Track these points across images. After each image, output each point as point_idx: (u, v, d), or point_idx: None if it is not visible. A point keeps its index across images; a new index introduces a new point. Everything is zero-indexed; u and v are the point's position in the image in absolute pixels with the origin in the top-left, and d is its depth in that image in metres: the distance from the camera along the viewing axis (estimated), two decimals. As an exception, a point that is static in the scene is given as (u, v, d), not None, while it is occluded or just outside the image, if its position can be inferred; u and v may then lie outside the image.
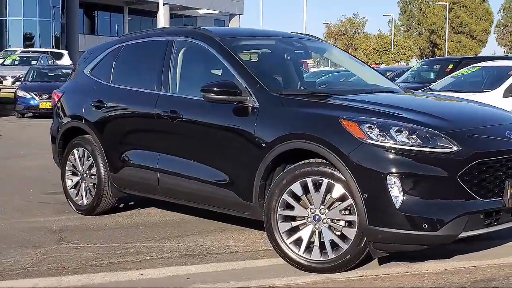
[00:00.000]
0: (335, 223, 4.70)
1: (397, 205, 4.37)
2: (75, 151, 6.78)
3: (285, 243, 4.83)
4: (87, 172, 6.69)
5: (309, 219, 4.77)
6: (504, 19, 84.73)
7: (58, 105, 7.08)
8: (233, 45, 5.70)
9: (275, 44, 6.29)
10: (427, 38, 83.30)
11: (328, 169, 4.67)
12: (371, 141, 4.47)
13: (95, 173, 6.57)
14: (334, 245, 4.70)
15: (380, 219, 4.42)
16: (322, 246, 4.73)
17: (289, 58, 6.25)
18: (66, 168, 6.91)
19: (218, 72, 5.80)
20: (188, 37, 6.01)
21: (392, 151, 4.42)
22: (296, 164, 4.83)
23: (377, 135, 4.49)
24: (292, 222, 4.84)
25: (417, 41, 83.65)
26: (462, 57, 16.19)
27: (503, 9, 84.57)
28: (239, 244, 5.63)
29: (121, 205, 7.06)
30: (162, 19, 37.03)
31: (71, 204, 6.89)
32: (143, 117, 6.06)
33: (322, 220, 4.71)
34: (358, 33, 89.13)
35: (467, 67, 11.72)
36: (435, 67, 15.15)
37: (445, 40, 78.25)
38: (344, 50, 6.86)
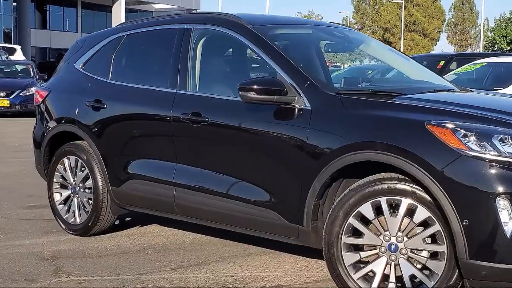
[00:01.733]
0: (416, 254, 3.80)
1: (509, 234, 3.49)
2: (65, 160, 5.73)
3: (352, 279, 3.92)
4: (81, 185, 5.65)
5: (382, 249, 3.86)
6: (454, 18, 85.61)
7: (43, 106, 6.01)
8: (270, 34, 4.74)
9: (312, 33, 5.34)
10: (381, 36, 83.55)
11: (409, 187, 3.77)
12: (472, 153, 3.57)
13: (91, 186, 5.54)
14: (415, 281, 3.80)
15: (485, 251, 3.53)
16: (399, 282, 3.82)
17: (329, 50, 5.33)
18: (54, 179, 5.85)
19: (252, 67, 4.83)
20: (210, 24, 5.02)
21: (500, 165, 3.54)
22: (365, 180, 3.92)
23: (477, 144, 3.60)
24: (361, 253, 3.93)
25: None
26: (454, 54, 15.52)
27: (454, 8, 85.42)
28: (277, 273, 4.68)
29: (116, 222, 6.01)
30: (122, 14, 35.63)
31: (60, 222, 5.83)
32: (155, 120, 5.05)
33: (400, 250, 3.81)
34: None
35: (470, 64, 10.98)
36: (422, 63, 14.36)
37: (399, 38, 78.65)
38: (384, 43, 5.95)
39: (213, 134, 4.66)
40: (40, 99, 6.06)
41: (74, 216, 5.71)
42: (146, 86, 5.21)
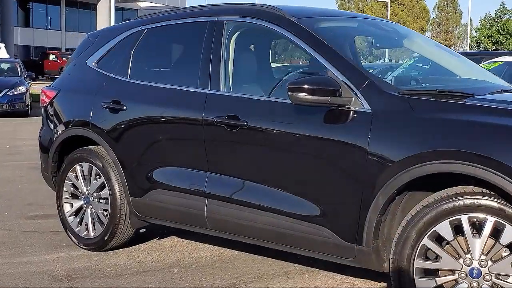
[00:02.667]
0: (502, 280, 3.30)
1: None
2: (77, 167, 5.17)
3: (427, 308, 3.40)
4: (95, 194, 5.09)
5: (462, 275, 3.35)
6: (438, 18, 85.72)
7: (51, 107, 5.44)
8: (316, 27, 4.21)
9: (358, 26, 4.82)
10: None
11: (496, 203, 3.26)
12: None
13: (107, 197, 4.99)
14: (501, 311, 3.30)
15: None
16: (482, 312, 3.32)
17: (377, 45, 4.82)
18: (64, 188, 5.29)
19: (298, 64, 4.31)
20: (245, 16, 4.47)
21: None
22: (442, 195, 3.40)
23: None
24: (437, 279, 3.42)
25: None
26: (462, 52, 15.10)
27: (438, 8, 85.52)
28: (325, 297, 4.16)
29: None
30: (112, 13, 34.88)
31: (71, 236, 5.26)
32: (184, 124, 4.51)
33: (483, 276, 3.30)
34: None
35: (486, 62, 10.53)
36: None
37: (384, 37, 78.43)
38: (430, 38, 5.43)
39: (253, 139, 4.13)
40: (48, 100, 5.49)
41: (87, 229, 5.15)
42: (171, 85, 4.67)
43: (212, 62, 4.42)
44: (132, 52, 5.00)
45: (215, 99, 4.34)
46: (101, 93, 5.02)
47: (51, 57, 43.03)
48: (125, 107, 4.80)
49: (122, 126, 4.82)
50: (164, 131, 4.63)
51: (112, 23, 49.21)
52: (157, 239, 5.52)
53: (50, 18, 53.40)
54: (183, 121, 4.50)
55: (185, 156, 4.51)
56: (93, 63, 5.27)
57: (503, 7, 69.41)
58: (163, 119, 4.64)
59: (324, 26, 4.41)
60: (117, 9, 54.25)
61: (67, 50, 50.71)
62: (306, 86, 3.71)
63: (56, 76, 40.89)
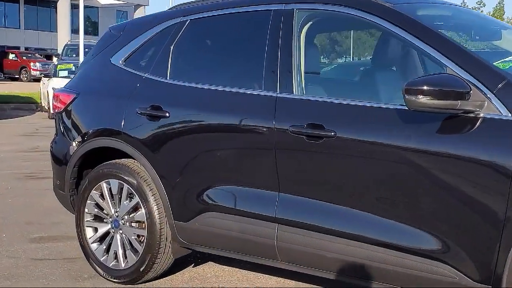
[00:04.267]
0: None
1: None
2: (103, 184, 4.34)
3: None
4: (126, 217, 4.27)
5: None
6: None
7: (67, 113, 4.59)
8: (419, 15, 3.47)
9: (452, 15, 4.07)
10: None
11: None
12: None
13: (143, 220, 4.18)
14: None
15: None
16: None
17: (477, 38, 4.11)
18: (86, 210, 4.45)
19: (398, 61, 3.57)
20: (322, 2, 3.70)
21: None
22: None
23: None
24: None
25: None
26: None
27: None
28: None
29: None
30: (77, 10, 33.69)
31: (96, 266, 4.44)
32: (247, 134, 3.72)
33: None
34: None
35: (500, 61, 9.94)
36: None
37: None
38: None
39: (343, 153, 3.37)
40: (62, 105, 4.64)
41: (117, 258, 4.34)
42: (225, 87, 3.88)
43: (281, 59, 3.65)
44: (171, 47, 4.19)
45: (288, 104, 3.57)
46: (134, 97, 4.20)
47: (11, 56, 41.53)
48: (167, 114, 3.99)
49: (164, 136, 4.02)
50: (219, 142, 3.84)
51: (68, 24, 47.88)
52: (193, 266, 4.73)
53: (9, 16, 51.62)
54: (245, 131, 3.72)
55: (248, 173, 3.72)
56: (120, 61, 4.45)
57: (464, 5, 69.81)
58: (218, 129, 3.84)
59: (424, 14, 3.67)
60: (76, 6, 52.84)
61: (26, 48, 49.08)
62: (431, 88, 2.96)
63: (16, 76, 39.64)
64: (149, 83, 4.20)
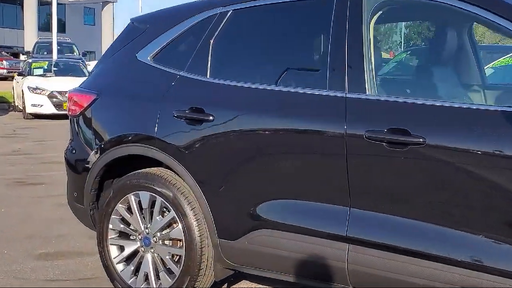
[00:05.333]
0: None
1: None
2: (131, 197, 3.82)
3: None
4: (159, 234, 3.77)
5: None
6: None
7: (86, 117, 4.06)
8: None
9: None
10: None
11: None
12: None
13: (180, 237, 3.68)
14: None
15: None
16: None
17: None
18: (110, 226, 3.93)
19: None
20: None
21: None
22: None
23: None
24: None
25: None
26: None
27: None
28: None
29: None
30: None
31: (122, 289, 3.91)
32: (310, 140, 3.23)
33: None
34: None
35: (508, 56, 9.58)
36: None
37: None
38: None
39: (434, 164, 2.90)
40: (79, 108, 4.10)
41: (148, 280, 3.83)
42: (281, 87, 3.39)
43: (349, 54, 3.18)
44: (211, 41, 3.69)
45: (362, 105, 3.09)
46: (168, 98, 3.69)
47: (-24, 54, 40.33)
48: (211, 117, 3.49)
49: (208, 142, 3.52)
50: (275, 150, 3.35)
51: (35, 21, 46.62)
52: (227, 286, 4.24)
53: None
54: (307, 137, 3.23)
55: (312, 185, 3.24)
56: (149, 58, 3.93)
57: None
58: (273, 134, 3.35)
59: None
60: (43, 3, 51.73)
61: (-8, 46, 47.77)
62: None
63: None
64: (185, 83, 3.70)
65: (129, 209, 3.87)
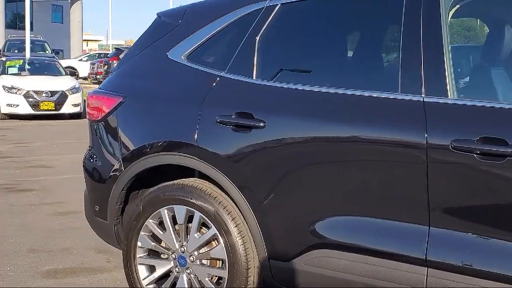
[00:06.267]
0: None
1: None
2: (164, 211, 3.43)
3: None
4: (197, 253, 3.38)
5: None
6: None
7: (111, 122, 3.65)
8: None
9: None
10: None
11: None
12: None
13: (222, 257, 3.29)
14: None
15: None
16: None
17: None
18: (138, 243, 3.53)
19: None
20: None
21: None
22: None
23: None
24: None
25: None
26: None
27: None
28: None
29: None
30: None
31: (153, 315, 3.51)
32: (381, 150, 2.85)
33: None
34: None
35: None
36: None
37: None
38: None
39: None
40: (102, 112, 3.69)
41: (183, 305, 3.43)
42: (342, 90, 3.01)
43: (426, 52, 2.82)
44: (257, 39, 3.30)
45: (445, 111, 2.74)
46: (209, 101, 3.30)
47: None
48: (262, 124, 3.11)
49: (258, 151, 3.13)
50: (339, 161, 2.97)
51: (2, 18, 45.45)
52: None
53: None
54: (377, 146, 2.86)
55: (382, 201, 2.88)
56: (183, 57, 3.53)
57: None
58: (336, 143, 2.97)
59: None
60: (10, 0, 50.61)
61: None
62: None
63: None
64: (228, 84, 3.31)
65: (161, 225, 3.47)
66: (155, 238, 3.50)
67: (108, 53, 32.92)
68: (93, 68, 29.61)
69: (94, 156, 3.76)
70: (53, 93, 15.72)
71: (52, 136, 12.64)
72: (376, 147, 2.85)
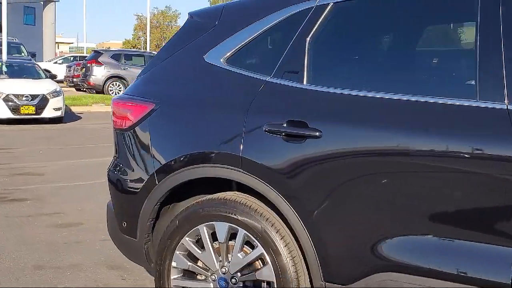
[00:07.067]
0: None
1: None
2: (203, 228, 3.14)
3: None
4: (240, 274, 3.09)
5: None
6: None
7: (144, 129, 3.34)
8: None
9: None
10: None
11: None
12: None
13: (270, 279, 3.01)
14: None
15: None
16: None
17: None
18: (173, 264, 3.24)
19: None
20: None
21: None
22: None
23: None
24: None
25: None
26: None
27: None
28: None
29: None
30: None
31: None
32: (461, 164, 2.57)
33: None
34: (172, 27, 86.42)
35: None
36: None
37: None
38: None
39: None
40: (130, 120, 3.38)
41: (225, 331, 3.14)
42: (411, 96, 2.74)
43: (508, 54, 2.57)
44: (307, 41, 3.03)
45: None
46: (255, 109, 3.01)
47: None
48: (318, 133, 2.83)
49: (313, 163, 2.85)
50: (410, 174, 2.70)
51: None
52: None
53: None
54: (453, 159, 2.60)
55: (461, 219, 2.62)
56: (222, 60, 3.24)
57: None
58: (406, 155, 2.69)
59: None
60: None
61: None
62: None
63: None
64: (275, 90, 3.03)
65: (200, 244, 3.18)
66: (192, 257, 3.21)
67: (86, 56, 32.40)
68: (69, 71, 29.08)
69: (122, 167, 3.46)
70: (33, 96, 15.26)
71: (35, 141, 12.22)
72: (451, 160, 2.59)
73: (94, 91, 24.95)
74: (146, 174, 3.30)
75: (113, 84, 24.99)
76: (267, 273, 3.00)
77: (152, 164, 3.27)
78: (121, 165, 3.46)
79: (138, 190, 3.32)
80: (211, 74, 3.25)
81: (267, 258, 2.99)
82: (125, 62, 25.37)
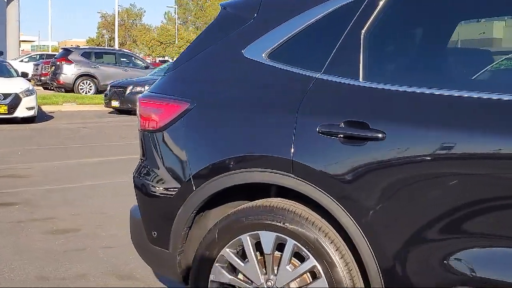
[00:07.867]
0: None
1: None
2: (247, 238, 2.88)
3: None
4: (288, 288, 2.84)
5: None
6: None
7: (178, 130, 3.06)
8: None
9: None
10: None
11: None
12: None
13: (325, 294, 2.76)
14: None
15: None
16: None
17: None
18: (212, 276, 2.97)
19: None
20: None
21: None
22: None
23: None
24: None
25: (196, 34, 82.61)
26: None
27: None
28: None
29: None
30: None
31: None
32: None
33: None
34: (136, 25, 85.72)
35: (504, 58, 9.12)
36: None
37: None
38: None
39: None
40: (162, 121, 3.10)
41: None
42: (489, 94, 2.50)
43: None
44: (362, 33, 2.78)
45: None
46: (306, 108, 2.76)
47: None
48: (381, 135, 2.58)
49: (375, 168, 2.61)
50: (489, 181, 2.47)
51: None
52: None
53: None
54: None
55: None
56: (264, 55, 2.98)
57: None
58: (483, 160, 2.46)
59: None
60: None
61: None
62: None
63: None
64: (328, 88, 2.78)
65: (242, 255, 2.91)
66: (233, 269, 2.94)
67: (54, 54, 31.72)
68: (37, 69, 28.41)
69: (150, 171, 3.17)
70: (5, 95, 14.76)
71: (11, 142, 11.78)
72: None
73: (64, 90, 24.39)
74: (181, 179, 3.02)
75: (83, 83, 24.47)
76: (319, 286, 2.75)
77: (188, 168, 3.00)
78: (149, 169, 3.17)
79: (171, 197, 3.04)
80: (252, 70, 2.98)
81: (321, 270, 2.74)
82: (95, 60, 24.86)
